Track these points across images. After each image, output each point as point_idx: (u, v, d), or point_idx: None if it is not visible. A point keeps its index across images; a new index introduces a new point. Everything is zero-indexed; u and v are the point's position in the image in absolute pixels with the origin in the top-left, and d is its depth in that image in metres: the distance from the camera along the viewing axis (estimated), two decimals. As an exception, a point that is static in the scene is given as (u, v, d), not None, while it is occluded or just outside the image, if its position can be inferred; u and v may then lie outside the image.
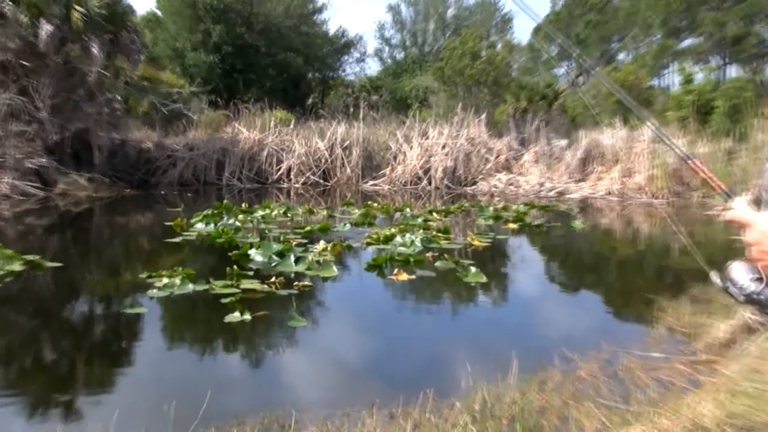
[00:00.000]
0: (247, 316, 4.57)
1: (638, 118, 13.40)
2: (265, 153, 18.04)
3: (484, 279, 5.97)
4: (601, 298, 6.01)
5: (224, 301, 4.97)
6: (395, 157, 18.28)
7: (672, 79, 28.89)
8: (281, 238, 7.68)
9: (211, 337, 4.45)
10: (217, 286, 5.36)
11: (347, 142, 18.54)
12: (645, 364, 3.80)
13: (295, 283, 5.57)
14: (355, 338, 4.55)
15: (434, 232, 8.40)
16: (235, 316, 4.58)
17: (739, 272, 1.34)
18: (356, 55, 35.11)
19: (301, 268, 6.22)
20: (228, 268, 5.83)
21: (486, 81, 22.42)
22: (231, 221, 9.05)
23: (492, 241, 8.29)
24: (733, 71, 26.25)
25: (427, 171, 17.73)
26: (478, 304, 5.50)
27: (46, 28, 13.35)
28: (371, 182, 18.06)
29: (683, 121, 17.52)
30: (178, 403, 3.12)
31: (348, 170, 18.27)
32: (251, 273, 5.92)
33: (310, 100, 29.13)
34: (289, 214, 10.46)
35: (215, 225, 8.74)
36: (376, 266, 6.48)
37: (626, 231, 10.51)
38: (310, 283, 5.66)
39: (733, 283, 1.34)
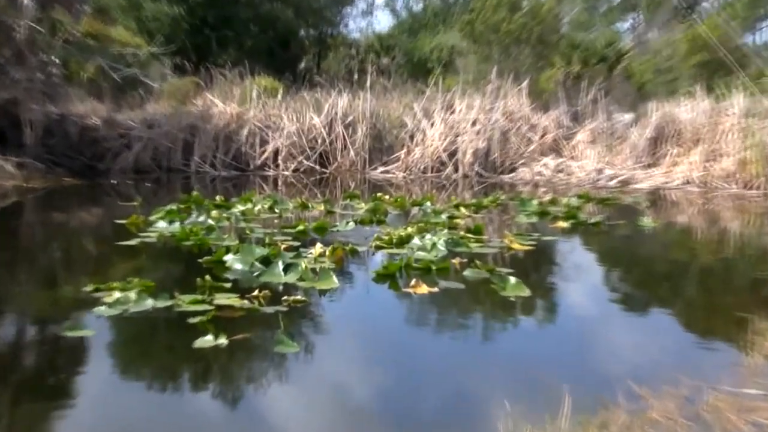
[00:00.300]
0: (223, 340, 4.56)
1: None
2: (245, 131, 18.12)
3: (526, 292, 5.94)
4: (678, 318, 5.95)
5: (193, 320, 4.96)
6: (412, 137, 18.30)
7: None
8: (266, 241, 7.67)
9: (176, 368, 4.44)
10: (184, 302, 5.35)
11: (350, 118, 18.58)
12: (737, 402, 3.75)
13: (284, 297, 5.55)
14: (360, 368, 4.52)
15: (462, 233, 8.39)
16: (207, 340, 4.57)
17: None
18: (362, 6, 35.23)
19: (291, 278, 6.21)
20: (198, 279, 5.82)
21: (528, 39, 22.33)
22: (202, 218, 9.06)
23: (536, 243, 8.25)
24: None
25: (452, 154, 17.75)
26: (518, 325, 5.47)
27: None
28: (381, 169, 18.09)
29: (786, 88, 17.39)
30: (134, 452, 3.11)
31: (351, 153, 18.31)
32: (228, 285, 5.90)
33: (303, 64, 29.13)
34: (276, 210, 10.46)
35: (181, 223, 8.75)
36: (388, 276, 6.46)
37: (710, 231, 10.43)
38: (304, 298, 5.64)
39: None
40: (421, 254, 7.21)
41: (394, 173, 17.75)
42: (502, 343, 5.10)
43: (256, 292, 5.57)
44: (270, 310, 5.28)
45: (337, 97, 18.82)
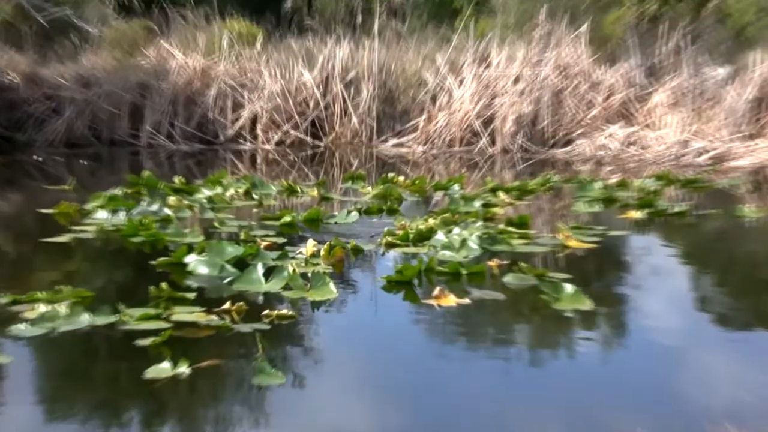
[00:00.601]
0: (184, 369, 4.53)
1: None
2: (212, 92, 18.10)
3: (587, 305, 5.91)
4: (791, 338, 5.92)
5: (144, 342, 4.94)
6: (434, 99, 18.26)
7: None
8: (242, 236, 7.68)
9: (121, 406, 4.41)
10: (132, 318, 5.34)
11: (352, 74, 18.54)
12: None
13: (266, 312, 5.54)
14: (367, 406, 4.50)
15: (501, 226, 8.37)
16: (162, 369, 4.53)
17: None
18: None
19: (275, 286, 6.20)
20: (151, 287, 5.81)
21: (589, -32, 22.25)
22: (155, 207, 9.05)
23: (600, 240, 8.24)
24: None
25: (488, 122, 17.71)
26: (577, 349, 5.42)
27: None
28: (393, 141, 18.08)
29: None
30: None
31: (354, 121, 18.29)
32: (190, 295, 5.90)
33: (289, 3, 29.09)
34: (255, 195, 10.50)
35: (128, 213, 8.74)
36: (403, 283, 6.45)
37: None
38: (291, 313, 5.62)
39: None
40: (446, 254, 7.21)
41: (410, 147, 17.71)
42: (556, 373, 5.06)
43: (227, 305, 5.55)
44: (246, 328, 5.25)
45: (334, 47, 18.77)
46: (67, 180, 11.65)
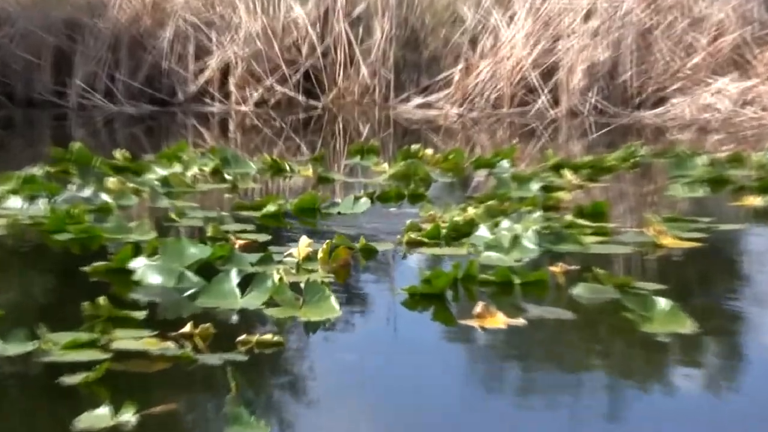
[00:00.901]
0: (128, 416, 4.48)
1: None
2: (168, 33, 18.12)
3: (687, 326, 5.85)
4: None
5: (73, 380, 4.90)
6: (474, 43, 18.25)
7: None
8: (209, 232, 7.70)
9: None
10: (57, 346, 5.32)
11: (361, 8, 18.53)
12: None
13: (242, 337, 5.51)
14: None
15: (569, 217, 8.37)
16: (99, 416, 4.49)
17: None
18: None
19: (254, 301, 6.19)
20: (84, 304, 5.80)
21: None
22: (89, 192, 9.06)
23: (706, 236, 8.20)
24: None
25: (549, 74, 17.71)
26: (678, 390, 5.37)
27: None
28: (418, 100, 18.09)
29: None
30: None
31: (364, 73, 18.30)
32: (138, 314, 5.89)
33: None
34: (227, 176, 10.51)
35: (52, 200, 8.75)
36: (433, 297, 6.43)
37: None
38: (277, 338, 5.59)
39: None
40: (492, 256, 7.22)
41: (441, 108, 17.72)
42: (649, 426, 5.01)
43: (188, 328, 5.53)
44: (215, 359, 5.21)
45: (335, -27, 18.86)
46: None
